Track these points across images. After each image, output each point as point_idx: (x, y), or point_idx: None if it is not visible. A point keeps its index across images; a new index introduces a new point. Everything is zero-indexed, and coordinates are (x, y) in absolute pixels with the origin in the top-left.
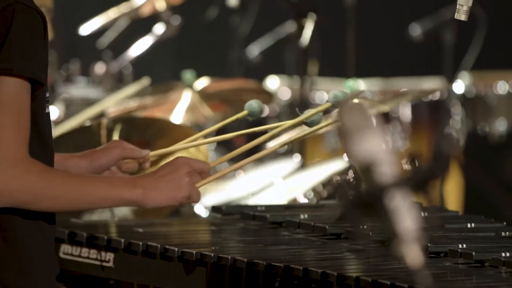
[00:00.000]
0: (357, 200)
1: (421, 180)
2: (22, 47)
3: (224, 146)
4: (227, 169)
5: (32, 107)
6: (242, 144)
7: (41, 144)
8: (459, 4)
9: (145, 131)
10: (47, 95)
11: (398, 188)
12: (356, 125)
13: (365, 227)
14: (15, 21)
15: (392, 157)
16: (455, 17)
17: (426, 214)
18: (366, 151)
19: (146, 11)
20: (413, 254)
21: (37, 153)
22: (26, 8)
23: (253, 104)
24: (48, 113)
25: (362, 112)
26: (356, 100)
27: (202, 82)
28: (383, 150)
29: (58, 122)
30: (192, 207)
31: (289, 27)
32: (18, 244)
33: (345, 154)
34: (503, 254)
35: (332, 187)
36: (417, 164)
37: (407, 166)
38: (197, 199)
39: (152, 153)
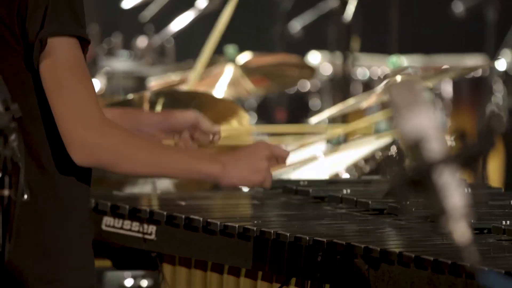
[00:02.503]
0: (404, 176)
1: (468, 157)
2: (65, 9)
3: (265, 121)
4: (301, 160)
5: None
6: (282, 118)
7: None
8: None
9: (187, 105)
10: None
11: (446, 164)
12: (405, 100)
13: (408, 203)
14: None
15: (440, 133)
16: None
17: (471, 190)
18: (415, 127)
19: None
20: (460, 231)
21: None
22: None
23: None
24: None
25: (411, 88)
26: (402, 76)
27: (244, 57)
28: (431, 126)
29: (100, 95)
30: None
31: (332, 2)
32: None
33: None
34: None
35: (375, 163)
36: (464, 141)
37: (453, 143)
38: (268, 185)
39: (223, 128)
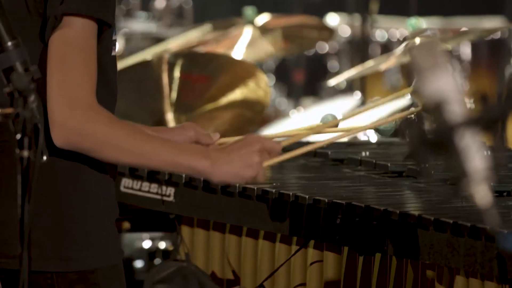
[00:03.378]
0: (423, 138)
1: (489, 119)
2: None
3: (284, 83)
4: (295, 151)
5: (98, 48)
6: (300, 80)
7: (104, 87)
8: None
9: (206, 67)
10: (114, 37)
11: (467, 127)
12: (426, 62)
13: (428, 165)
14: None
15: (461, 96)
16: None
17: (491, 153)
18: (436, 90)
19: None
20: (480, 193)
21: (99, 96)
22: None
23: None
24: (114, 56)
25: (433, 50)
26: (422, 38)
27: (263, 18)
28: (452, 89)
29: (118, 56)
30: None
31: None
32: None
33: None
34: None
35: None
36: (485, 104)
37: (473, 106)
38: (262, 179)
39: (221, 140)
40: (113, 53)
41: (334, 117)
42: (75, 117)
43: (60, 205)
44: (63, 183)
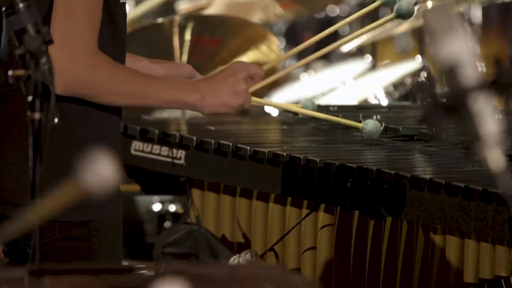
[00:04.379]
0: (436, 101)
1: (503, 83)
2: None
3: (294, 46)
4: (280, 72)
5: None
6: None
7: (114, 34)
8: None
9: (217, 29)
10: None
11: (481, 91)
12: (440, 25)
13: (440, 129)
14: None
15: (475, 59)
16: None
17: (504, 117)
18: (450, 53)
19: None
20: (493, 157)
21: (109, 44)
22: None
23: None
24: (123, 4)
25: (447, 13)
26: (434, 1)
27: None
28: (466, 52)
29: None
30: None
31: None
32: (83, 133)
33: (418, 55)
34: None
35: (404, 88)
36: (499, 67)
37: (487, 69)
38: (249, 105)
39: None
40: (121, 0)
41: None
42: (75, 64)
43: (67, 151)
44: (71, 129)
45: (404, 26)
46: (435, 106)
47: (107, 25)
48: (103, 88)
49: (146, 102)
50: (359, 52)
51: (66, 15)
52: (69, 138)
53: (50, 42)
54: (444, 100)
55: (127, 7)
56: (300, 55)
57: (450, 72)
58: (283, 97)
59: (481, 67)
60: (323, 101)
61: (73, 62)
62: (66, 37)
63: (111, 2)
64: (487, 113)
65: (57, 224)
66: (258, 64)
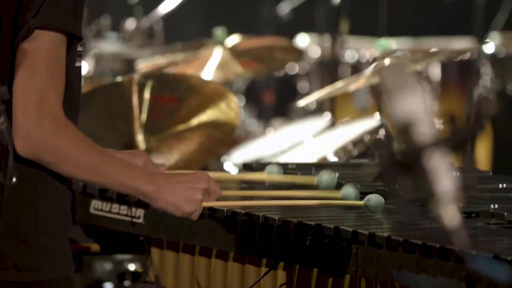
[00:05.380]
0: (393, 159)
1: (457, 140)
2: (62, 3)
3: (253, 104)
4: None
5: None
6: (270, 101)
7: (68, 97)
8: None
9: (176, 88)
10: (80, 48)
11: (436, 148)
12: (395, 83)
13: (397, 186)
14: None
15: (430, 117)
16: None
17: (460, 174)
18: (405, 111)
19: None
20: (449, 214)
21: (65, 106)
22: None
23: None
24: (79, 67)
25: (402, 71)
26: (391, 59)
27: (233, 39)
28: (421, 110)
29: (88, 77)
30: (222, 164)
31: None
32: (37, 198)
33: (376, 113)
34: None
35: (363, 146)
36: (454, 125)
37: (443, 126)
38: (196, 218)
39: (168, 171)
40: (77, 64)
41: (279, 169)
42: (41, 128)
43: (19, 214)
44: (22, 192)
45: (362, 83)
46: (391, 163)
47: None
48: (63, 156)
49: (102, 181)
50: (318, 109)
51: (28, 77)
52: (21, 199)
53: (8, 101)
54: (400, 157)
55: (86, 67)
56: (260, 114)
57: (405, 130)
58: (243, 156)
59: (438, 124)
60: (282, 159)
61: (37, 126)
62: (29, 100)
63: (68, 64)
64: (442, 170)
65: (8, 285)
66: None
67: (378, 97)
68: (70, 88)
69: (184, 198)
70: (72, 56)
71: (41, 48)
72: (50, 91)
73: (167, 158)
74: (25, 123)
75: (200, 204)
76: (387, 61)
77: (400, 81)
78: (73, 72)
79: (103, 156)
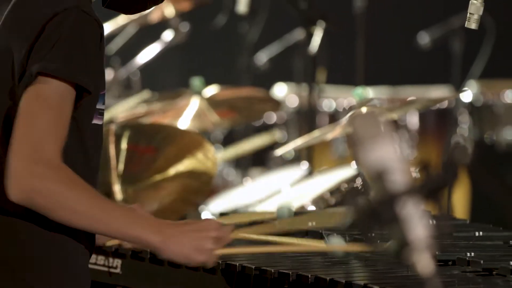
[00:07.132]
0: (367, 208)
1: (432, 188)
2: (72, 52)
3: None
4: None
5: (75, 114)
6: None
7: (83, 154)
8: (469, 13)
9: (153, 138)
10: (101, 106)
11: (410, 196)
12: (368, 133)
13: (373, 234)
14: (69, 26)
15: (404, 165)
16: (465, 25)
17: (435, 222)
18: (378, 159)
19: (154, 17)
20: (424, 263)
21: (77, 164)
22: (84, 14)
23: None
24: (98, 125)
25: (374, 120)
26: (366, 108)
27: (211, 89)
28: (394, 158)
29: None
30: (199, 214)
31: (298, 34)
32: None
33: (353, 162)
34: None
35: (341, 195)
36: (428, 173)
37: (418, 174)
38: (211, 266)
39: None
40: (95, 121)
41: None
42: (33, 173)
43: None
44: (16, 220)
45: (339, 132)
46: (365, 212)
47: (76, 144)
48: (57, 202)
49: (102, 229)
50: (296, 158)
51: (26, 121)
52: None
53: None
54: (374, 205)
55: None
56: (238, 163)
57: (378, 179)
58: (220, 205)
59: (413, 172)
60: (259, 208)
61: (31, 170)
62: (23, 144)
63: (81, 120)
64: (416, 218)
65: None
66: (229, 228)
67: (351, 146)
68: (84, 144)
69: (192, 248)
70: (87, 111)
71: (44, 93)
72: (48, 137)
73: (145, 208)
74: (17, 166)
75: (211, 253)
76: (363, 110)
77: (372, 130)
78: (87, 128)
79: (103, 203)
